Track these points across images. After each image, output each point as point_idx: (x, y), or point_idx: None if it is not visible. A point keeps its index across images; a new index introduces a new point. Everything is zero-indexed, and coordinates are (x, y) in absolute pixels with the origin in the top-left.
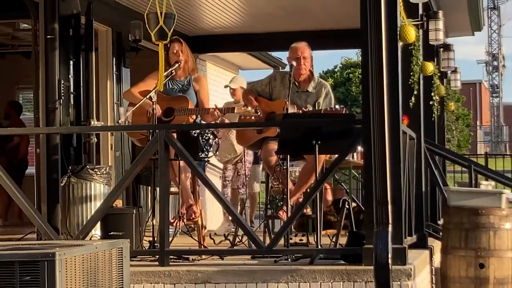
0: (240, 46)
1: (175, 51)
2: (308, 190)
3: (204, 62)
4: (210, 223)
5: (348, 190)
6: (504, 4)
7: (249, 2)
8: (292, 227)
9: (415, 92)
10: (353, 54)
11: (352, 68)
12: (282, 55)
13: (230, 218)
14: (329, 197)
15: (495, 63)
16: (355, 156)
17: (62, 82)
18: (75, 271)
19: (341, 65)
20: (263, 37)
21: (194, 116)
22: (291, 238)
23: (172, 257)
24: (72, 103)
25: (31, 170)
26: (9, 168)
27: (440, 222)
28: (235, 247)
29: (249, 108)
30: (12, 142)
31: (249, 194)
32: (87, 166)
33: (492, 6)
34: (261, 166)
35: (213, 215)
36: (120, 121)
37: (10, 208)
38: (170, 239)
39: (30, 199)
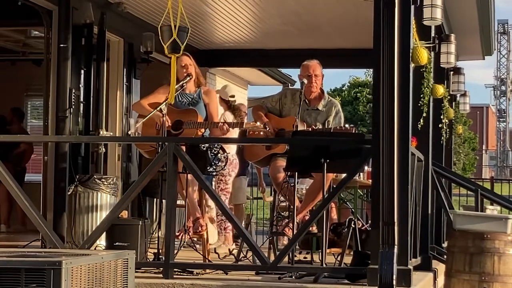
0: (251, 61)
1: (183, 65)
2: (315, 208)
3: (214, 76)
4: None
5: (353, 210)
6: None
7: (261, 18)
8: (297, 245)
9: (425, 114)
10: (362, 73)
11: (360, 87)
12: (292, 72)
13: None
14: (334, 215)
15: (503, 87)
16: (361, 176)
17: (73, 91)
18: (81, 281)
19: (349, 84)
20: (274, 53)
21: (203, 130)
22: (295, 256)
23: (176, 270)
24: (82, 112)
25: (29, 177)
26: (14, 175)
27: (445, 245)
28: (239, 263)
29: (258, 123)
30: (19, 148)
31: (235, 206)
32: (95, 176)
33: (502, 31)
34: (247, 179)
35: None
36: (129, 132)
37: (13, 214)
38: (175, 251)
39: (35, 206)
